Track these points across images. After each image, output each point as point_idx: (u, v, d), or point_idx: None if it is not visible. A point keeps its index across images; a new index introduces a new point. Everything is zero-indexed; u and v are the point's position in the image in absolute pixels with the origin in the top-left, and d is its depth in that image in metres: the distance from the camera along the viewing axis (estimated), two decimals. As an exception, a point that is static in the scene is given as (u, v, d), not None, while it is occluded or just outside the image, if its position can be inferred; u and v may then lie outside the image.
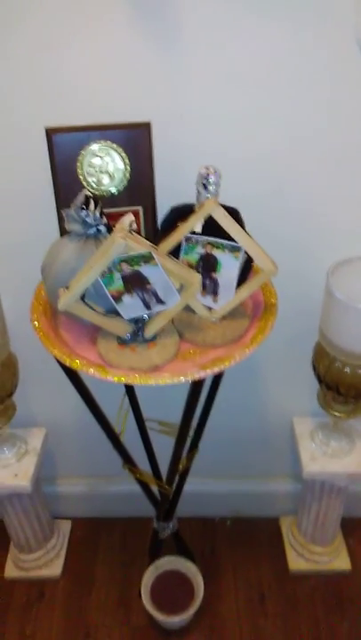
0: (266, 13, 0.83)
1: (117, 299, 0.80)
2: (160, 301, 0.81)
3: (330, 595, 1.42)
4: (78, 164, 0.86)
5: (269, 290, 0.95)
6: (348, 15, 0.83)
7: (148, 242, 0.79)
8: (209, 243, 0.82)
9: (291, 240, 1.06)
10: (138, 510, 1.48)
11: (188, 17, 0.84)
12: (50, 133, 0.85)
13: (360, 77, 0.89)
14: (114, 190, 0.88)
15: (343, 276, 0.98)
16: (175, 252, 0.84)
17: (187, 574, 1.38)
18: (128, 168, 0.87)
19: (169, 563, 1.39)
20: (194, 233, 0.82)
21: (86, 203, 0.80)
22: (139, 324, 0.84)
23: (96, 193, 0.88)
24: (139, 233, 0.91)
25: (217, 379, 1.11)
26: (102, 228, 0.82)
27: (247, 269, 0.88)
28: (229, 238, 0.80)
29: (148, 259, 0.75)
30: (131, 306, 0.82)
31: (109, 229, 0.83)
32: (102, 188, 0.88)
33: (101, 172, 0.87)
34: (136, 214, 0.90)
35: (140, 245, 0.75)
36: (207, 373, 0.81)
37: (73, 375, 0.97)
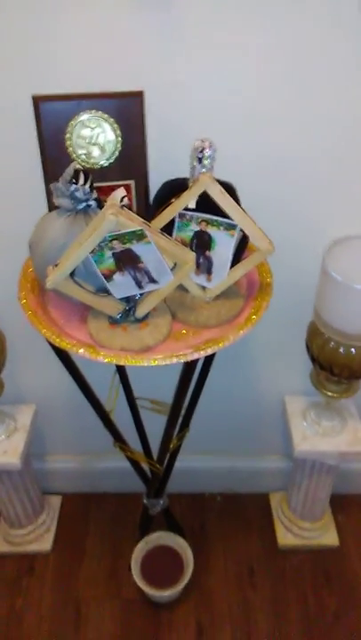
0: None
1: (108, 277, 0.78)
2: (152, 280, 0.78)
3: (318, 570, 1.44)
4: (67, 136, 0.82)
5: (265, 269, 0.92)
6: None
7: (140, 218, 0.76)
8: (203, 220, 0.79)
9: (288, 218, 1.03)
10: (128, 486, 1.48)
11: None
12: (37, 101, 0.81)
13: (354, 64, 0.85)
14: (104, 163, 0.84)
15: (339, 256, 0.95)
16: (168, 229, 0.81)
17: (177, 549, 1.39)
18: (119, 140, 0.83)
19: (159, 538, 1.40)
20: (187, 209, 0.79)
21: (76, 176, 0.76)
22: (130, 303, 0.82)
23: (86, 166, 0.84)
24: (130, 208, 0.88)
25: (209, 358, 1.10)
26: (92, 202, 0.79)
27: (242, 248, 0.85)
28: (224, 215, 0.77)
29: (140, 236, 0.72)
30: (122, 284, 0.79)
31: (100, 204, 0.79)
32: (92, 160, 0.84)
33: (92, 143, 0.83)
34: (127, 188, 0.87)
35: (133, 222, 0.72)
36: (200, 355, 0.79)
37: (62, 354, 0.95)
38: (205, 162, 0.78)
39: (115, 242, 0.73)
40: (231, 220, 0.77)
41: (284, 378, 1.33)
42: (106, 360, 0.78)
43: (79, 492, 1.61)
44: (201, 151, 0.77)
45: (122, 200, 0.74)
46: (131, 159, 0.85)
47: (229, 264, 0.83)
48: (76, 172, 0.76)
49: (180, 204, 0.78)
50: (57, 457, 1.54)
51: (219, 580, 1.42)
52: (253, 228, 0.78)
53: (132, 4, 0.81)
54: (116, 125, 0.82)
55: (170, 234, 0.81)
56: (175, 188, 0.83)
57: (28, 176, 0.92)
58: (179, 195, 0.79)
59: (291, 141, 0.94)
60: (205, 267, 0.84)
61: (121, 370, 1.14)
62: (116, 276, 0.78)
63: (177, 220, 0.80)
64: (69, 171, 0.77)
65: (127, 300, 0.82)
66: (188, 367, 0.89)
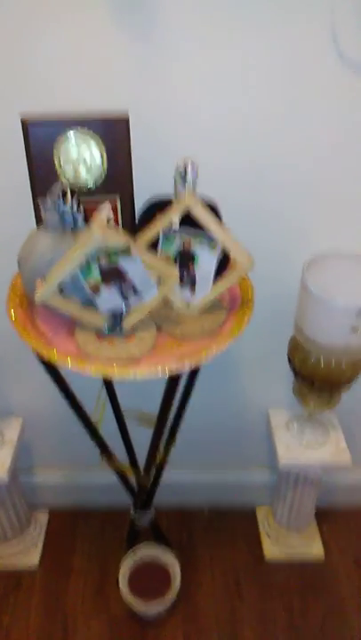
0: (246, 4, 0.83)
1: (95, 291, 0.80)
2: (138, 294, 0.81)
3: (304, 582, 1.45)
4: (55, 155, 0.85)
5: (246, 283, 0.95)
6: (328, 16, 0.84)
7: (126, 235, 0.79)
8: (187, 236, 0.82)
9: (267, 236, 1.07)
10: (115, 501, 1.49)
11: (167, 7, 0.83)
12: (26, 124, 0.84)
13: (338, 76, 0.90)
14: (91, 181, 0.87)
15: (318, 272, 0.99)
16: (153, 245, 0.84)
17: (164, 563, 1.40)
18: (105, 158, 0.86)
19: (146, 552, 1.41)
20: (171, 226, 0.82)
21: (63, 194, 0.79)
22: (117, 316, 0.85)
23: (73, 184, 0.87)
24: (116, 225, 0.91)
25: (194, 371, 1.12)
26: (79, 218, 0.82)
27: (224, 263, 0.88)
28: (207, 231, 0.80)
29: (126, 251, 0.75)
30: (109, 298, 0.82)
31: (87, 221, 0.82)
32: (79, 178, 0.87)
33: (78, 162, 0.86)
34: (113, 205, 0.90)
35: (119, 238, 0.75)
36: (185, 365, 0.81)
37: (50, 366, 0.97)
38: (188, 181, 0.82)
39: (101, 257, 0.76)
40: (213, 236, 0.80)
41: (268, 391, 1.35)
42: (93, 371, 0.80)
43: (66, 508, 1.61)
44: (184, 171, 0.81)
45: (108, 217, 0.77)
46: (117, 177, 0.88)
47: (212, 278, 0.86)
48: (64, 189, 0.80)
49: (164, 221, 0.81)
50: (44, 471, 1.55)
51: (206, 593, 1.42)
52: (234, 244, 0.81)
53: (118, 25, 0.84)
54: (102, 145, 0.85)
55: (155, 250, 0.84)
56: (160, 205, 0.86)
57: (18, 193, 0.95)
58: (163, 212, 0.82)
59: (275, 156, 0.98)
60: (189, 281, 0.87)
61: (108, 382, 1.16)
62: (103, 290, 0.80)
63: (161, 235, 0.83)
64: (57, 188, 0.80)
65: (114, 313, 0.84)
66: (173, 378, 0.91)
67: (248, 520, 1.58)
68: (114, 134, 0.85)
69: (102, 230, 0.72)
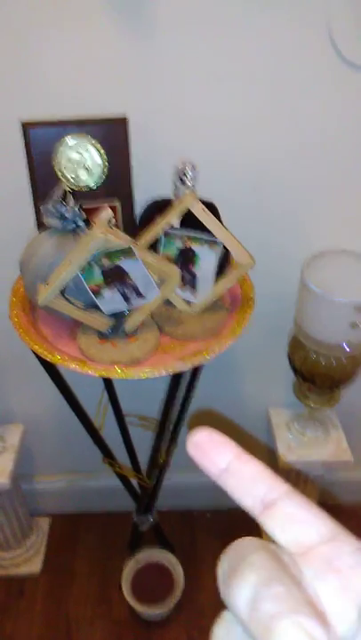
0: (245, 5, 0.84)
1: (97, 293, 0.81)
2: (140, 295, 0.82)
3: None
4: (55, 159, 0.86)
5: (247, 283, 0.96)
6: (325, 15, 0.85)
7: (127, 236, 0.79)
8: (187, 237, 0.83)
9: (266, 234, 1.07)
10: (117, 505, 1.49)
11: (166, 11, 0.84)
12: (26, 128, 0.84)
13: (335, 75, 0.91)
14: (92, 184, 0.88)
15: (318, 269, 1.00)
16: (154, 247, 0.85)
17: (167, 566, 1.40)
18: (105, 162, 0.87)
19: (149, 555, 1.41)
20: (172, 227, 0.83)
21: (64, 197, 0.80)
22: (119, 318, 0.85)
23: (74, 187, 0.88)
24: (117, 227, 0.91)
25: (195, 371, 1.12)
26: (81, 222, 0.82)
27: (225, 263, 0.89)
28: (207, 232, 0.81)
29: (128, 253, 0.75)
30: (111, 300, 0.82)
31: (88, 224, 0.83)
32: (80, 182, 0.88)
33: (79, 166, 0.86)
34: (114, 208, 0.91)
35: (120, 240, 0.75)
36: (187, 365, 0.82)
37: (52, 370, 0.97)
38: (188, 182, 0.82)
39: (103, 259, 0.76)
40: (213, 236, 0.81)
41: (268, 390, 1.36)
42: (97, 374, 0.81)
43: (67, 513, 1.60)
44: (184, 172, 0.82)
45: (109, 219, 0.78)
46: (117, 180, 0.89)
47: (213, 278, 0.86)
48: (65, 194, 0.80)
49: (164, 222, 0.82)
50: (45, 477, 1.54)
51: (209, 596, 1.42)
52: (234, 243, 0.82)
53: (118, 30, 0.85)
54: (101, 149, 0.86)
55: (156, 251, 0.85)
56: (160, 207, 0.87)
57: (18, 197, 0.95)
58: (163, 213, 0.83)
59: (274, 155, 0.98)
60: (190, 282, 0.88)
61: (109, 386, 1.16)
62: (105, 292, 0.81)
63: (162, 237, 0.84)
64: (58, 192, 0.80)
65: (116, 315, 0.85)
66: (176, 379, 0.92)
67: (251, 521, 1.57)
68: (113, 136, 0.85)
69: (104, 232, 0.73)
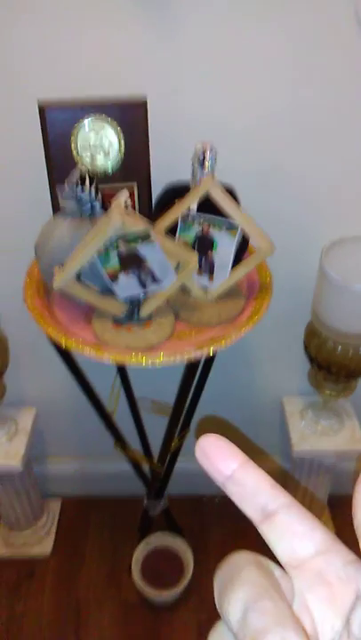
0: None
1: (113, 278, 0.79)
2: (156, 281, 0.80)
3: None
4: (72, 140, 0.84)
5: (264, 269, 0.94)
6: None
7: (145, 220, 0.78)
8: (206, 221, 0.81)
9: (285, 219, 1.06)
10: (128, 489, 1.49)
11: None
12: (43, 108, 0.82)
13: (351, 67, 0.88)
14: (108, 167, 0.86)
15: (337, 257, 0.98)
16: (171, 231, 0.83)
17: (176, 551, 1.40)
18: (123, 144, 0.85)
19: (159, 539, 1.41)
20: (190, 211, 0.81)
21: (81, 180, 0.78)
22: (134, 303, 0.84)
23: (90, 170, 0.86)
24: (134, 210, 0.90)
25: (210, 358, 1.11)
26: (97, 205, 0.81)
27: (243, 249, 0.87)
28: (224, 216, 0.79)
29: (145, 237, 0.74)
30: (127, 285, 0.81)
31: (105, 207, 0.81)
32: (97, 164, 0.86)
33: (96, 148, 0.85)
34: (131, 191, 0.89)
35: (138, 223, 0.74)
36: (203, 353, 0.81)
37: (66, 355, 0.96)
38: (207, 165, 0.80)
39: (120, 243, 0.75)
40: (232, 221, 0.79)
41: (282, 378, 1.35)
42: (111, 358, 0.80)
43: (79, 496, 1.61)
44: (203, 154, 0.80)
45: (126, 202, 0.76)
46: (134, 163, 0.87)
47: (231, 264, 0.85)
48: (82, 176, 0.78)
49: (182, 206, 0.80)
50: (57, 460, 1.55)
51: (219, 582, 1.43)
52: (254, 228, 0.80)
53: (137, 11, 0.83)
54: (119, 130, 0.84)
55: (173, 235, 0.83)
56: (177, 191, 0.85)
57: (34, 179, 0.94)
58: (181, 197, 0.81)
59: (289, 147, 0.97)
60: (207, 268, 0.86)
61: (122, 371, 1.16)
62: (121, 277, 0.80)
63: (180, 221, 0.82)
64: (75, 174, 0.79)
65: (131, 300, 0.84)
66: (191, 366, 0.91)
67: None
68: (131, 119, 0.83)
69: (121, 216, 0.71)
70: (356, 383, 1.17)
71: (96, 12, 0.83)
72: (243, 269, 0.85)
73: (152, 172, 0.90)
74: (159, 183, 0.90)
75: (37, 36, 0.85)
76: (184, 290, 0.87)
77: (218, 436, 0.24)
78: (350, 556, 0.22)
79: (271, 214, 1.01)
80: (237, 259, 0.86)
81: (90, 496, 1.62)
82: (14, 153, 0.96)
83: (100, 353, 0.80)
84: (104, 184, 0.86)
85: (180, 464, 1.26)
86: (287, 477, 1.41)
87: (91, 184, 0.79)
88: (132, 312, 0.84)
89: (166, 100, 0.90)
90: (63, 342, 0.81)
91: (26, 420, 1.33)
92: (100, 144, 0.85)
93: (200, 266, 0.86)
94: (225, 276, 0.86)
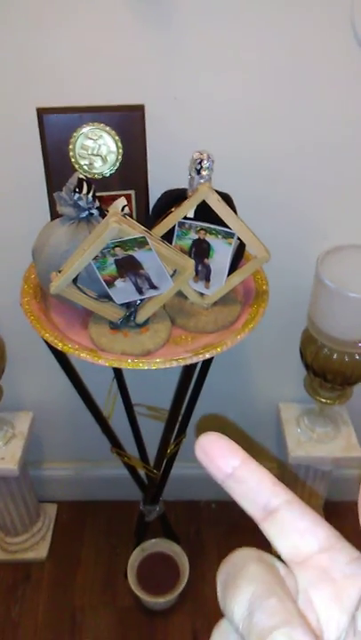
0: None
1: (110, 283, 0.80)
2: (153, 286, 0.81)
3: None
4: (70, 147, 0.85)
5: (261, 276, 0.95)
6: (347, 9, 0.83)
7: (141, 226, 0.78)
8: (202, 228, 0.81)
9: (281, 228, 1.06)
10: (124, 494, 1.49)
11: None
12: (41, 114, 0.83)
13: (356, 71, 0.89)
14: (106, 173, 0.87)
15: (333, 264, 0.98)
16: (168, 237, 0.84)
17: (172, 556, 1.40)
18: (121, 151, 0.86)
19: (155, 545, 1.41)
20: (187, 218, 0.81)
21: (79, 186, 0.79)
22: (131, 308, 0.84)
23: (88, 176, 0.87)
24: (131, 217, 0.91)
25: (206, 364, 1.12)
26: (95, 211, 0.81)
27: (239, 256, 0.88)
28: (222, 224, 0.80)
29: (142, 243, 0.74)
30: (123, 290, 0.81)
31: (102, 213, 0.82)
32: (94, 171, 0.87)
33: (94, 154, 0.86)
34: (128, 198, 0.90)
35: (134, 229, 0.74)
36: (199, 358, 0.81)
37: (63, 359, 0.96)
38: (204, 173, 0.81)
39: (117, 249, 0.75)
40: (229, 228, 0.80)
41: (278, 385, 1.35)
42: (107, 363, 0.80)
43: (75, 501, 1.61)
44: (200, 162, 0.80)
45: (123, 209, 0.77)
46: (131, 170, 0.88)
47: (227, 271, 0.85)
48: (80, 182, 0.79)
49: (179, 213, 0.81)
50: (53, 464, 1.55)
51: (214, 587, 1.40)
52: (250, 236, 0.81)
53: (135, 18, 0.84)
54: (117, 137, 0.85)
55: (170, 242, 0.84)
56: (174, 197, 0.86)
57: (32, 185, 0.94)
58: (178, 204, 0.81)
59: (288, 149, 0.97)
60: (204, 274, 0.87)
61: (119, 376, 1.16)
62: (118, 282, 0.80)
63: (177, 228, 0.83)
64: (73, 180, 0.79)
65: (128, 305, 0.84)
66: (187, 371, 0.91)
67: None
68: (129, 124, 0.84)
69: (119, 222, 0.72)
70: (351, 390, 1.17)
71: (95, 19, 0.84)
72: (239, 276, 0.85)
73: (149, 179, 0.90)
74: (157, 190, 0.90)
75: (36, 43, 0.86)
76: (181, 296, 0.87)
77: (218, 433, 0.24)
78: (354, 553, 0.22)
79: (270, 218, 1.02)
80: (234, 265, 0.87)
81: (86, 500, 1.62)
82: (13, 159, 0.97)
83: (96, 358, 0.80)
84: (102, 191, 0.87)
85: (177, 469, 1.26)
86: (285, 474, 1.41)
87: (88, 190, 0.79)
88: (129, 317, 0.85)
89: (164, 107, 0.91)
90: (60, 347, 0.82)
91: (22, 423, 1.33)
92: (97, 151, 0.85)
93: (197, 272, 0.86)
94: (221, 282, 0.86)
